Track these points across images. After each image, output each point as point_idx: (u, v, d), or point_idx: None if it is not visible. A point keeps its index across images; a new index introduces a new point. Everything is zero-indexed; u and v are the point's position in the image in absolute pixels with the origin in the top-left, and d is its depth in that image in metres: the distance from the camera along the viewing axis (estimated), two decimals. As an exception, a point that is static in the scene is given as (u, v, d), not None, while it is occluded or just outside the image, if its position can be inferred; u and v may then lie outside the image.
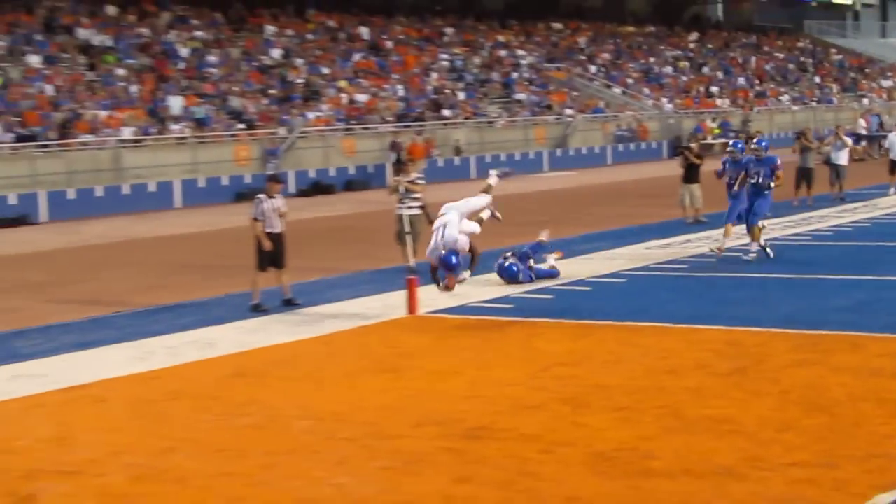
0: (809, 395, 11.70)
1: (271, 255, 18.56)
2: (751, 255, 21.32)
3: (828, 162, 33.47)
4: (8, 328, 17.81)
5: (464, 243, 16.87)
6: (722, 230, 21.90)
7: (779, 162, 21.84)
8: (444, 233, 16.74)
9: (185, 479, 9.81)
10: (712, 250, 21.71)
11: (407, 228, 21.80)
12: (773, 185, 21.71)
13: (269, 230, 18.58)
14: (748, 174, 21.79)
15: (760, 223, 21.55)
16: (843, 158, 33.59)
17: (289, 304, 18.47)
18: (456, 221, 16.72)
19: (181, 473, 9.99)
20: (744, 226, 22.13)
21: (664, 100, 68.27)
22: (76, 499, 9.40)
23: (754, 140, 23.96)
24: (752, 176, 21.66)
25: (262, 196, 19.02)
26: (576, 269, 21.10)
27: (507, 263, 19.85)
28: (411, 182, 21.78)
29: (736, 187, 21.97)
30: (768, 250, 21.48)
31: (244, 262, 19.39)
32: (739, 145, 23.26)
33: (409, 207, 21.72)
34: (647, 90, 69.41)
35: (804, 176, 32.30)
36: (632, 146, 58.58)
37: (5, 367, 14.85)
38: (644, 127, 62.05)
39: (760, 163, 21.78)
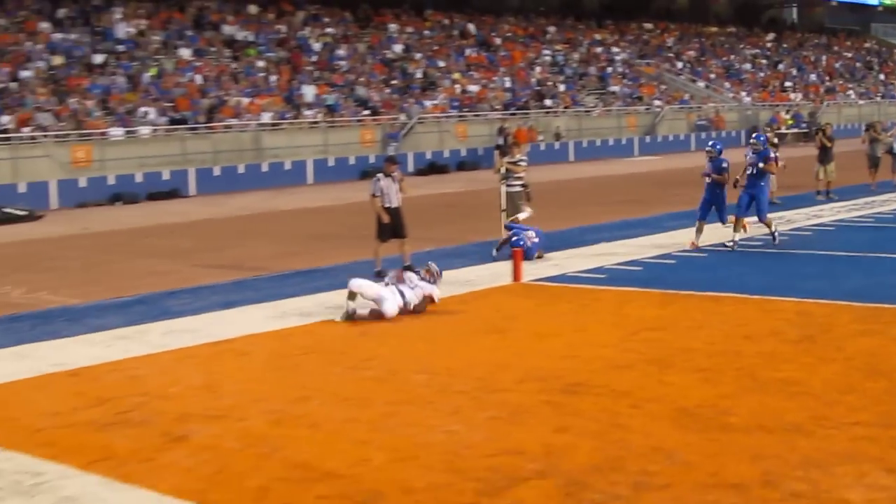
0: (871, 362, 11.60)
1: (391, 227, 18.71)
2: (731, 243, 20.54)
3: (890, 151, 32.83)
4: (162, 289, 18.09)
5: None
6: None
7: (772, 155, 21.40)
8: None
9: (316, 424, 9.98)
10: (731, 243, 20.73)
11: (505, 205, 21.85)
12: (764, 168, 20.94)
13: (387, 205, 18.73)
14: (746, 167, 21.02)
15: (764, 217, 20.94)
16: None
17: (407, 271, 18.62)
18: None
19: (313, 419, 10.16)
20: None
21: (743, 93, 67.53)
22: (222, 440, 9.57)
23: (753, 135, 23.09)
24: (749, 168, 20.87)
25: (379, 175, 19.18)
26: (662, 242, 21.01)
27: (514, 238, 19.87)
28: (513, 163, 21.77)
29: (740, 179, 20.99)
30: (735, 242, 20.78)
31: (368, 233, 19.52)
32: (762, 138, 22.31)
33: (510, 185, 21.74)
34: (727, 84, 68.70)
35: (874, 163, 31.88)
36: (713, 134, 58.03)
37: (159, 324, 15.10)
38: (721, 117, 61.27)
39: (758, 156, 20.92)
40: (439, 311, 15.48)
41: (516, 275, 17.73)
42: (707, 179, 20.88)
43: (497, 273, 18.43)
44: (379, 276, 18.20)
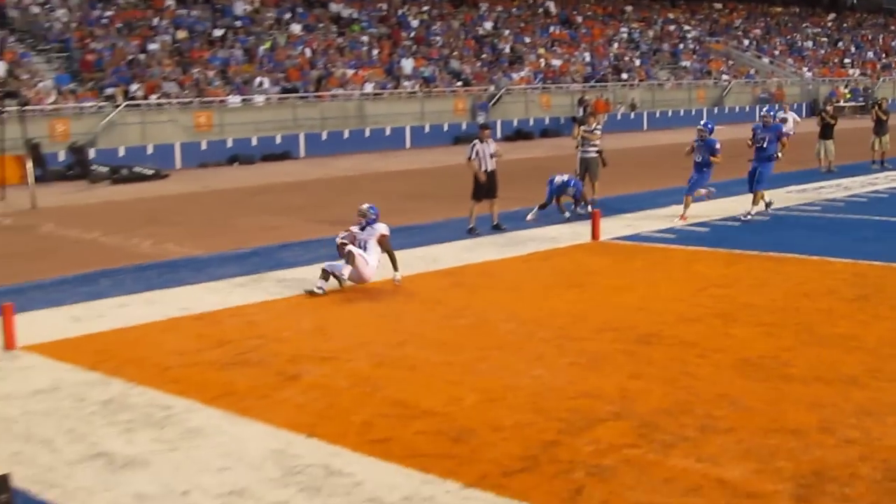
0: (924, 320, 11.47)
1: (485, 188, 18.72)
2: (749, 216, 19.50)
3: None
4: (275, 242, 18.25)
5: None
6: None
7: (784, 129, 20.74)
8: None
9: (415, 366, 10.09)
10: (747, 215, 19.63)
11: (581, 170, 21.89)
12: (779, 153, 20.01)
13: (482, 168, 18.75)
14: (755, 140, 20.05)
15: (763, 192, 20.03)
16: None
17: (496, 229, 18.61)
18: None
19: (412, 362, 10.26)
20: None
21: (804, 69, 66.26)
22: (330, 379, 9.72)
23: (765, 108, 21.80)
24: (758, 142, 19.90)
25: (476, 141, 19.19)
26: (728, 207, 20.77)
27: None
28: (589, 132, 21.75)
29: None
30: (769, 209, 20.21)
31: (461, 193, 19.56)
32: (773, 111, 21.02)
33: (586, 152, 21.76)
34: (790, 60, 67.47)
35: None
36: (776, 107, 57.04)
37: (273, 273, 15.27)
38: (782, 91, 60.05)
39: (767, 129, 20.02)
40: (525, 266, 15.52)
41: (595, 233, 17.70)
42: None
43: (577, 232, 18.38)
44: (471, 233, 18.28)
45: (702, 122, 20.35)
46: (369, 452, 7.65)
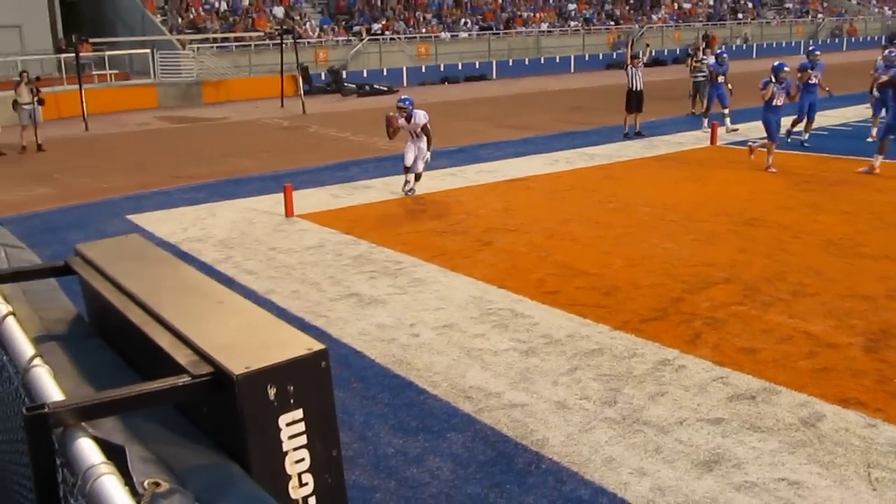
0: (975, 212, 10.70)
1: (636, 102, 18.17)
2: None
3: None
4: (474, 142, 18.24)
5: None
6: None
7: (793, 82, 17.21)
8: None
9: (576, 238, 10.02)
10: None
11: (692, 91, 21.32)
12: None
13: (634, 88, 18.18)
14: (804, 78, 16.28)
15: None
16: None
17: (638, 135, 18.13)
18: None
19: (574, 235, 10.18)
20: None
21: (886, 8, 61.39)
22: (514, 246, 9.72)
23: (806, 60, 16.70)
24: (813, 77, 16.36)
25: (629, 65, 18.53)
26: (819, 121, 19.64)
27: None
28: (698, 62, 21.08)
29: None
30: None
31: (612, 107, 19.09)
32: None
33: (695, 77, 21.10)
34: (874, 1, 62.57)
35: None
36: (861, 38, 53.00)
37: (473, 166, 15.28)
38: (854, 27, 55.45)
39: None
40: (659, 164, 15.10)
41: (712, 139, 17.04)
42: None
43: (699, 137, 17.75)
44: (626, 137, 17.87)
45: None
46: (543, 301, 7.67)
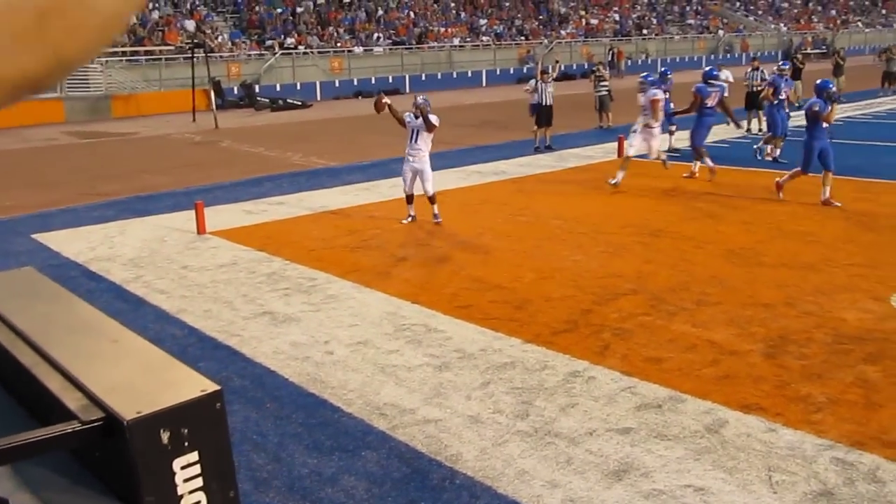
0: (864, 221, 11.11)
1: (545, 116, 18.41)
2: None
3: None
4: (388, 156, 17.96)
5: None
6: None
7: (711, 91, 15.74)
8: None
9: (488, 252, 10.07)
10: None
11: (597, 105, 21.94)
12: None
13: (543, 103, 18.44)
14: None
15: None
16: None
17: (549, 149, 18.36)
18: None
19: (487, 248, 10.22)
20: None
21: (781, 24, 63.71)
22: (429, 260, 9.72)
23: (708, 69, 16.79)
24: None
25: (536, 79, 18.87)
26: (721, 132, 20.18)
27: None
28: (600, 76, 21.59)
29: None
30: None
31: (524, 120, 19.33)
32: (715, 72, 15.63)
33: (599, 91, 21.62)
34: (770, 18, 64.88)
35: (888, 77, 29.66)
36: (761, 53, 54.92)
37: (387, 180, 15.05)
38: (746, 43, 57.21)
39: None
40: (568, 177, 15.31)
41: (620, 152, 17.34)
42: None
43: (607, 150, 18.06)
44: (537, 151, 18.11)
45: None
46: (456, 315, 7.69)
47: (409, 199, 11.69)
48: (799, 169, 12.53)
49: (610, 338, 7.05)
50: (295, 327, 7.55)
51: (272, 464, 5.18)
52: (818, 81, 12.37)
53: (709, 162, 14.63)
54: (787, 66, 16.75)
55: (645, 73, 16.88)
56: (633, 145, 14.17)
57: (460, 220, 11.87)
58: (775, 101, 16.00)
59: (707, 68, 16.00)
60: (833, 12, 71.95)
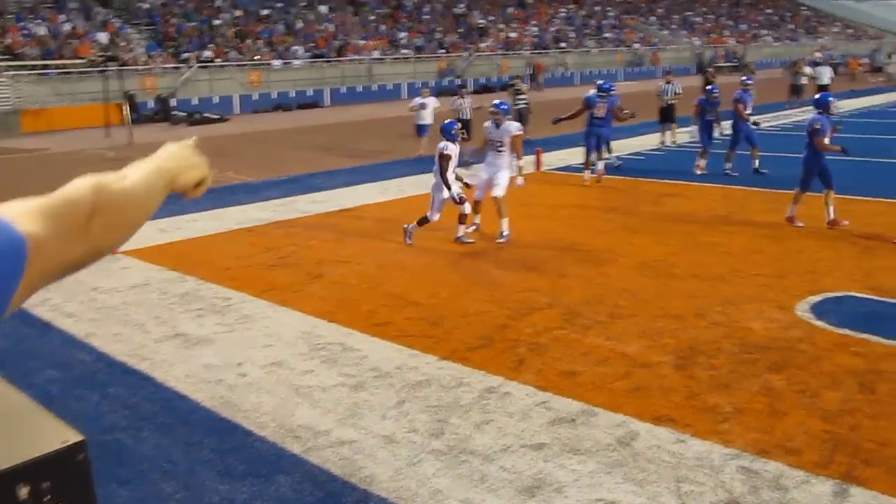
0: (771, 232, 11.43)
1: (466, 131, 18.42)
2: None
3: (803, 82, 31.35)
4: (306, 171, 18.07)
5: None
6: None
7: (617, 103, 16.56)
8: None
9: (405, 268, 10.05)
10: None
11: (516, 118, 21.83)
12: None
13: (461, 117, 18.56)
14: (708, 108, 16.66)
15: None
16: (813, 78, 31.76)
17: (466, 164, 18.27)
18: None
19: (404, 265, 10.21)
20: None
21: (694, 38, 65.38)
22: (345, 278, 9.66)
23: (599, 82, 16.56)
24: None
25: (456, 96, 19.04)
26: (639, 143, 20.63)
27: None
28: (517, 91, 21.75)
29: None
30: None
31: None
32: (608, 85, 16.34)
33: (517, 105, 21.77)
34: (684, 32, 66.53)
35: (795, 90, 30.43)
36: (677, 65, 56.24)
37: (304, 196, 15.07)
38: (657, 56, 58.59)
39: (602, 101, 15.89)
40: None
41: (538, 165, 17.57)
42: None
43: (526, 162, 18.15)
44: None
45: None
46: (373, 333, 7.66)
47: (462, 204, 10.96)
48: (798, 189, 11.85)
49: (525, 352, 7.11)
50: (208, 349, 7.41)
51: (181, 492, 5.07)
52: (817, 95, 11.87)
53: (595, 169, 15.72)
54: (751, 81, 16.80)
55: (602, 82, 16.80)
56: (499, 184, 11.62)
57: (378, 235, 11.82)
58: (749, 120, 16.08)
59: (600, 82, 16.52)
60: (744, 27, 74.21)
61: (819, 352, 7.02)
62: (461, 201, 10.91)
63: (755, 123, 16.46)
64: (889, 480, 4.97)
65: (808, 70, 32.02)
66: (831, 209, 11.59)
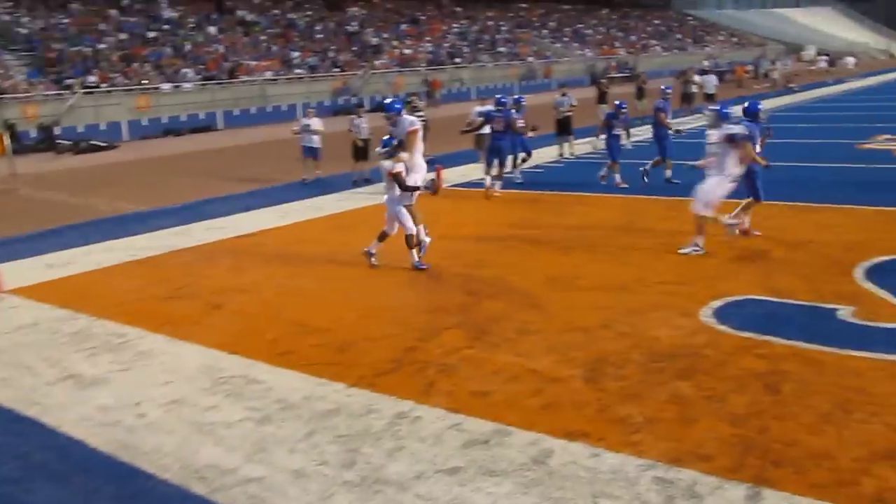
0: (673, 239, 11.58)
1: (362, 151, 18.46)
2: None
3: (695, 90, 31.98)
4: (200, 198, 17.69)
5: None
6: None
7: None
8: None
9: (308, 294, 9.88)
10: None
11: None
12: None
13: (360, 136, 18.51)
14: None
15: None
16: (701, 87, 32.57)
17: (367, 182, 18.28)
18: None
19: (306, 290, 10.04)
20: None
21: (586, 50, 66.86)
22: (246, 307, 9.44)
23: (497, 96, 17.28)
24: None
25: (354, 115, 18.99)
26: (536, 156, 20.82)
27: None
28: (414, 108, 21.69)
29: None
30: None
31: (341, 154, 19.26)
32: (504, 100, 16.79)
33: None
34: (576, 44, 67.94)
35: (686, 98, 30.82)
36: (571, 77, 57.41)
37: (200, 223, 14.73)
38: (549, 69, 59.63)
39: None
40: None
41: (439, 182, 17.54)
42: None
43: (426, 178, 18.20)
44: (355, 185, 18.02)
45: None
46: (277, 363, 7.48)
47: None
48: (751, 199, 11.84)
49: (435, 374, 7.05)
50: (103, 390, 7.11)
51: (79, 545, 4.83)
52: (746, 104, 11.69)
53: (494, 184, 16.17)
54: (670, 90, 17.04)
55: (500, 96, 17.32)
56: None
57: (278, 261, 11.60)
58: (671, 128, 16.35)
59: (497, 96, 16.93)
60: (633, 38, 76.30)
61: (724, 356, 7.18)
62: (435, 187, 11.72)
63: (678, 131, 16.85)
64: (798, 480, 5.09)
65: (697, 79, 33.02)
66: (747, 219, 11.84)
